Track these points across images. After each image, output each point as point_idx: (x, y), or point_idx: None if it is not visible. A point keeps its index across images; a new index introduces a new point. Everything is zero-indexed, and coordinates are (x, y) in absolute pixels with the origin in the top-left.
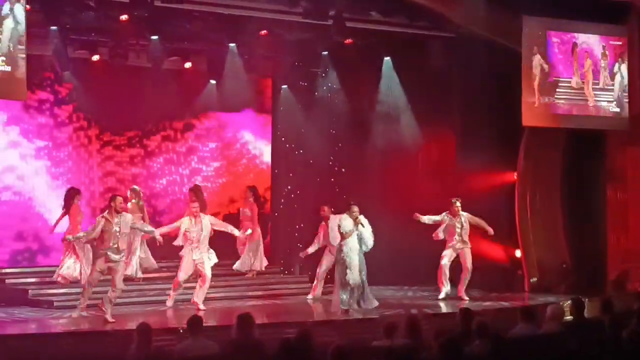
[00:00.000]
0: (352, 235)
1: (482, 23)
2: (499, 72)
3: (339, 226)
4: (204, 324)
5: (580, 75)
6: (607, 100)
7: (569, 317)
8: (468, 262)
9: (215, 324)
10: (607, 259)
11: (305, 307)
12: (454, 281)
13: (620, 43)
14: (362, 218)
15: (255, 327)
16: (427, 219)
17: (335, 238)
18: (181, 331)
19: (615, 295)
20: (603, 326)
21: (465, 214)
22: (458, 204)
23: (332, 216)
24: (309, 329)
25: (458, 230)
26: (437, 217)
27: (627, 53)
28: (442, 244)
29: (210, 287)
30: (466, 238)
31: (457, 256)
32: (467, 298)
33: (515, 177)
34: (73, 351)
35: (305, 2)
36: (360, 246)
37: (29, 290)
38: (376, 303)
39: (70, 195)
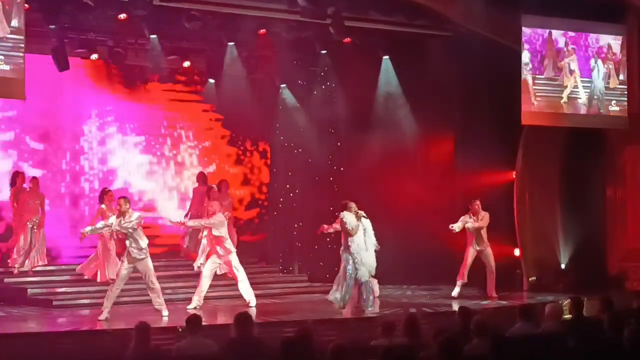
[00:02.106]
0: (359, 231)
1: (481, 22)
2: (498, 70)
3: (345, 223)
4: (203, 323)
5: (576, 74)
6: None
7: (567, 316)
8: (491, 261)
9: (214, 322)
10: (606, 258)
11: (304, 305)
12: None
13: (620, 42)
14: (361, 212)
15: (253, 325)
16: (457, 227)
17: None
18: (180, 330)
19: (614, 294)
20: (602, 325)
21: (485, 213)
22: (478, 202)
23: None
24: (309, 327)
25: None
26: (460, 224)
27: (626, 52)
28: (443, 242)
29: (209, 285)
30: (485, 238)
31: (477, 257)
32: (496, 295)
33: (514, 176)
34: (72, 350)
35: (303, 1)
36: (366, 243)
37: (28, 289)
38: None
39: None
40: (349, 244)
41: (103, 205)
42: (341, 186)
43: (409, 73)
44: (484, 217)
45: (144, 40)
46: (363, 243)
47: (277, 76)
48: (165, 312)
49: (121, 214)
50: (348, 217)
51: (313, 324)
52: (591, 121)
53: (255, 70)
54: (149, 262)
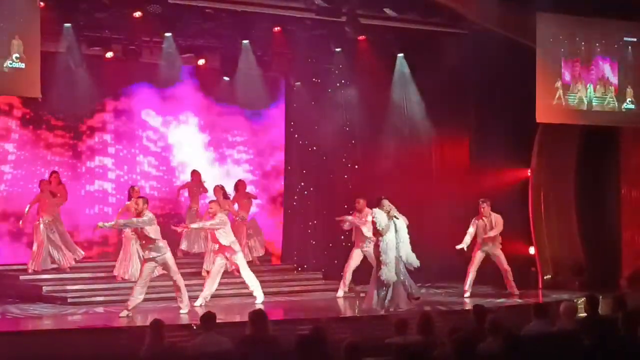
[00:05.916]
0: (390, 230)
1: (496, 19)
2: (513, 68)
3: (374, 222)
4: (217, 320)
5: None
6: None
7: (582, 314)
8: (503, 263)
9: (229, 320)
10: (621, 256)
11: (319, 303)
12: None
13: (636, 39)
14: (394, 211)
15: (268, 323)
16: (467, 241)
17: (369, 232)
18: (194, 327)
19: (628, 292)
20: (616, 323)
21: (496, 216)
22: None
23: (366, 210)
24: (323, 325)
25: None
26: (470, 230)
27: None
28: (458, 240)
29: (223, 283)
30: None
31: (487, 257)
32: (517, 292)
33: (529, 174)
34: (87, 347)
35: None
36: (398, 242)
37: (43, 287)
38: (406, 306)
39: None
40: (379, 243)
41: (129, 202)
42: (356, 184)
43: (423, 71)
44: (497, 222)
45: (159, 38)
46: (393, 242)
47: (292, 74)
48: (184, 309)
49: (137, 214)
50: (379, 216)
51: (327, 321)
52: (606, 119)
53: (270, 68)
54: (168, 259)
